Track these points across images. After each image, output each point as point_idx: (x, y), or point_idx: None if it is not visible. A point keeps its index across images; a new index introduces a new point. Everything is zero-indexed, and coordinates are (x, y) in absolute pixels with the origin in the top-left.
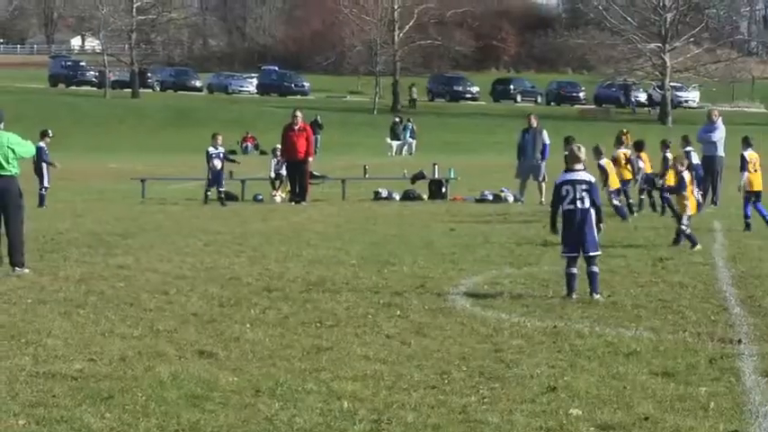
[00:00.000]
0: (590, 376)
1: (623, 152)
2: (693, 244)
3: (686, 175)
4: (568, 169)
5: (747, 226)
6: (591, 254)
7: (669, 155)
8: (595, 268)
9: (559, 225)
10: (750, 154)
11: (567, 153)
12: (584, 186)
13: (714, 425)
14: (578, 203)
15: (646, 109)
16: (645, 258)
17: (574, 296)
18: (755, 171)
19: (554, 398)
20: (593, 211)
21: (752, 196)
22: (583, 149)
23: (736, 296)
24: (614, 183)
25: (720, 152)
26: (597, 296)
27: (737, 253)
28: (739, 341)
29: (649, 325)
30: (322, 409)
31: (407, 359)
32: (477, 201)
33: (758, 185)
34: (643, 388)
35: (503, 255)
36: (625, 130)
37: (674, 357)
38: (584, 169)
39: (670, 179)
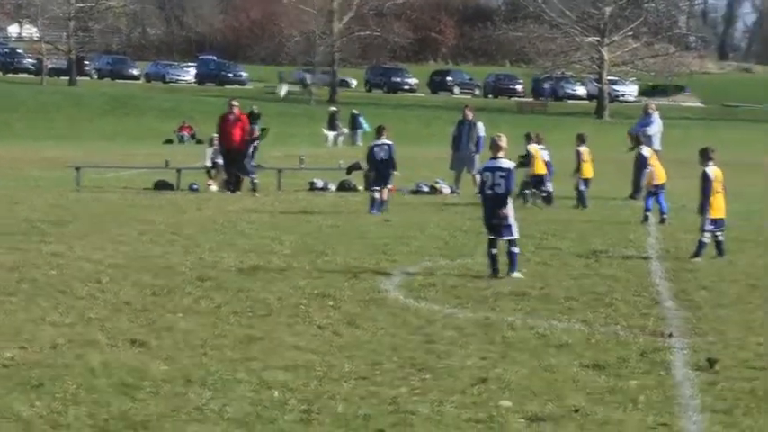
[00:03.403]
0: (521, 368)
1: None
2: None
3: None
4: (491, 157)
5: (646, 218)
6: (505, 238)
7: (582, 149)
8: (515, 249)
9: None
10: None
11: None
12: (501, 173)
13: (644, 418)
14: (495, 189)
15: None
16: (578, 251)
17: (499, 276)
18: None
19: (485, 389)
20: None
21: (657, 189)
22: (504, 138)
23: (669, 290)
24: (587, 172)
25: (657, 146)
26: (516, 274)
27: (671, 247)
28: (670, 334)
29: (581, 317)
30: (253, 399)
31: (339, 350)
32: (413, 192)
33: (663, 179)
34: (574, 380)
35: (437, 246)
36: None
37: (606, 350)
38: (505, 157)
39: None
